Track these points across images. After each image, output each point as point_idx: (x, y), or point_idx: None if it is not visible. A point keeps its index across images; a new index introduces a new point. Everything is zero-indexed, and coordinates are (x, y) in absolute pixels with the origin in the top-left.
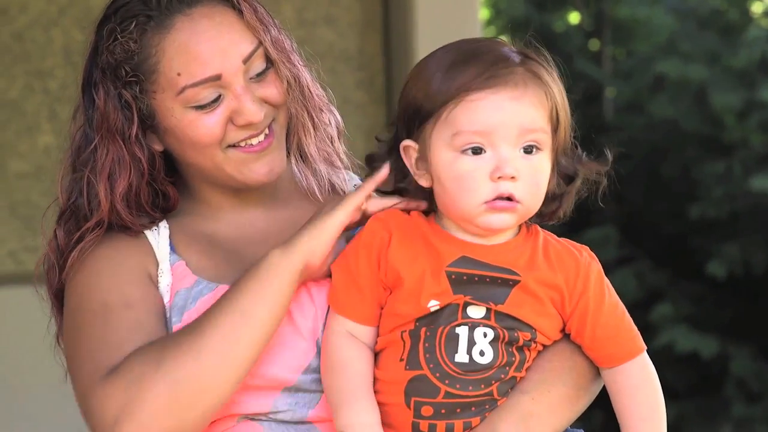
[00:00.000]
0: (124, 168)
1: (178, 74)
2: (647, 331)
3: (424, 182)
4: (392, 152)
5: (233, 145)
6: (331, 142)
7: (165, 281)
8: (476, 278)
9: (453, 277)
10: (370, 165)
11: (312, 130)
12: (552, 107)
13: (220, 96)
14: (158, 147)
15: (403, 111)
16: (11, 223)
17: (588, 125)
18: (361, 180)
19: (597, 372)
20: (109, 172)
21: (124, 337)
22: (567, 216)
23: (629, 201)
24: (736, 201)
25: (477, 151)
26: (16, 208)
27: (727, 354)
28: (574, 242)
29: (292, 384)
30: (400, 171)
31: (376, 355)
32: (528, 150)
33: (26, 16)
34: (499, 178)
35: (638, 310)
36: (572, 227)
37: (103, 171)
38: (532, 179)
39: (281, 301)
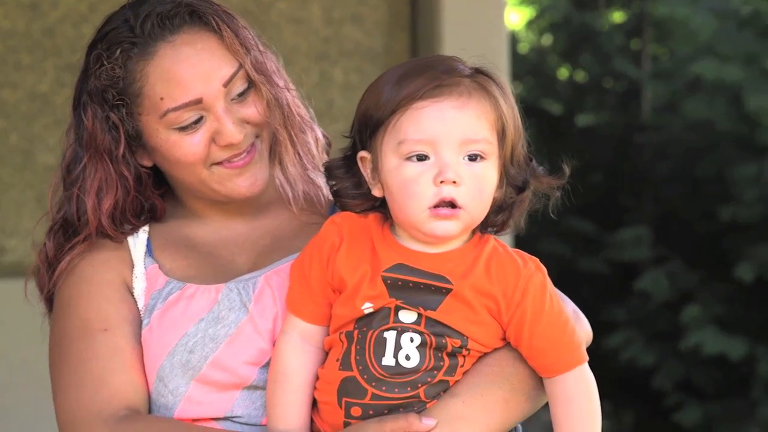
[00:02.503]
0: (111, 186)
1: (161, 98)
2: (677, 331)
3: (377, 192)
4: (350, 163)
5: (217, 163)
6: (312, 158)
7: (140, 286)
8: (410, 284)
9: (389, 282)
10: (328, 175)
11: (290, 148)
12: (497, 118)
13: (202, 118)
14: (147, 163)
15: (356, 122)
16: (40, 214)
17: (625, 125)
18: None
19: (542, 382)
20: (97, 190)
21: (104, 366)
22: (520, 227)
23: (664, 201)
24: None
25: (421, 157)
26: (44, 200)
27: (755, 356)
28: (525, 253)
29: (251, 382)
30: (357, 181)
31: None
32: (472, 158)
33: (57, 11)
34: (441, 182)
35: (669, 310)
36: (606, 227)
37: (92, 188)
38: (475, 186)
39: None
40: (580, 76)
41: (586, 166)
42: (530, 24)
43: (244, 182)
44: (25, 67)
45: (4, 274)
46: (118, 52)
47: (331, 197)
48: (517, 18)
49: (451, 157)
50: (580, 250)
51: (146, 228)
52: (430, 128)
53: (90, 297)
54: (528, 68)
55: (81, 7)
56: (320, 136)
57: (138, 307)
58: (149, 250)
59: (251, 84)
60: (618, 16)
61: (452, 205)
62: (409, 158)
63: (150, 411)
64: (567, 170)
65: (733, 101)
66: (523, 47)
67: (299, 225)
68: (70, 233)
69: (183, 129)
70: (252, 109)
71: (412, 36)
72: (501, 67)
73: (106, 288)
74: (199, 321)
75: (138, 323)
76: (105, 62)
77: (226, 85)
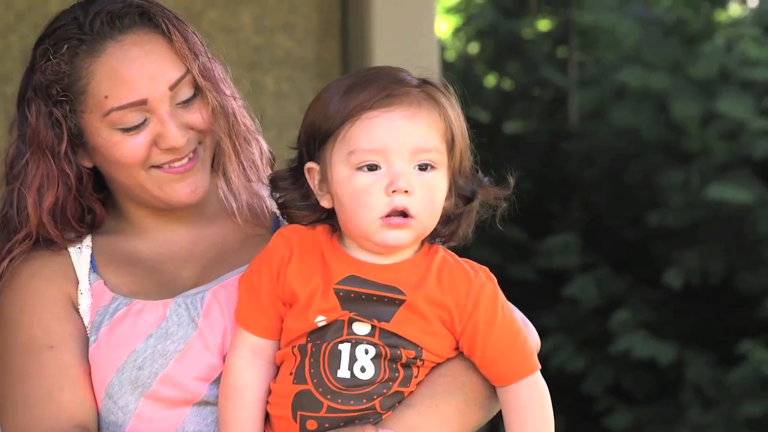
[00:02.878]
0: (52, 183)
1: (106, 97)
2: (605, 337)
3: (326, 203)
4: (296, 174)
5: (157, 166)
6: (256, 169)
7: (85, 302)
8: (363, 296)
9: (341, 294)
10: (274, 187)
11: (234, 156)
12: (446, 128)
13: (146, 120)
14: (87, 164)
15: (304, 133)
16: None
17: (553, 132)
18: None
19: (495, 391)
20: (38, 186)
21: (51, 384)
22: (468, 238)
23: (592, 208)
24: (695, 209)
25: (372, 167)
26: None
27: (684, 361)
28: (474, 263)
29: (201, 397)
30: (305, 192)
31: (279, 368)
32: (422, 167)
33: None
34: (393, 191)
35: (598, 316)
36: (534, 234)
37: (33, 184)
38: (427, 195)
39: None
40: (507, 83)
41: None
42: (457, 32)
43: (184, 188)
44: None
45: None
46: (65, 47)
47: (274, 209)
48: (444, 26)
49: (403, 167)
50: (510, 257)
51: (89, 243)
52: (381, 138)
53: (34, 313)
54: (455, 76)
55: (8, 16)
56: (265, 148)
57: (84, 324)
58: (93, 266)
59: (197, 90)
60: (544, 24)
61: (404, 214)
62: (359, 168)
63: (99, 429)
64: (512, 181)
65: (659, 108)
66: (450, 55)
67: (243, 237)
68: (10, 231)
69: (126, 130)
70: (197, 116)
71: (343, 45)
72: (432, 76)
73: (51, 304)
74: (148, 337)
75: (84, 340)
76: (51, 57)
77: (172, 88)
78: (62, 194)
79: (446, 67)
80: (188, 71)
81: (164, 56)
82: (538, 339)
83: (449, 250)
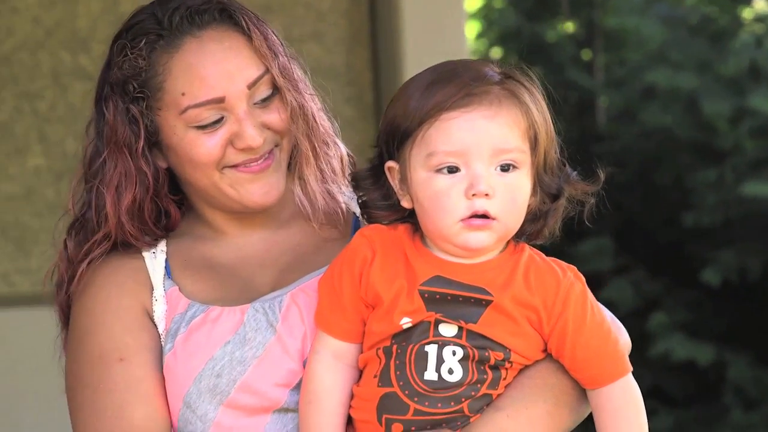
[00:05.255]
0: (131, 181)
1: (183, 94)
2: (644, 339)
3: (406, 203)
4: (377, 173)
5: (231, 166)
6: (333, 172)
7: (160, 309)
8: (449, 297)
9: (426, 295)
10: (355, 186)
11: (312, 159)
12: (529, 126)
13: (222, 118)
14: (162, 164)
15: (384, 131)
16: (2, 245)
17: (581, 134)
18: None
19: (585, 393)
20: (116, 185)
21: (121, 398)
22: (555, 235)
23: (624, 210)
24: (730, 208)
25: (452, 170)
26: (7, 230)
27: (723, 361)
28: (562, 262)
29: (281, 404)
30: (386, 192)
31: (361, 372)
32: (504, 168)
33: (13, 38)
34: (473, 195)
35: (634, 319)
36: (568, 238)
37: (111, 183)
38: (508, 196)
39: None
40: None
41: None
42: (479, 37)
43: (258, 189)
44: None
45: None
46: (143, 42)
47: (352, 211)
48: (469, 31)
49: (483, 169)
50: None
51: (164, 248)
52: (460, 140)
53: (106, 325)
54: None
55: (37, 33)
56: (344, 152)
57: (158, 332)
58: (168, 272)
59: (276, 90)
60: (568, 27)
61: (485, 216)
62: (439, 170)
63: None
64: (602, 175)
65: (688, 107)
66: None
67: (320, 241)
68: (89, 232)
69: (202, 128)
70: (275, 116)
71: (373, 52)
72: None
73: (124, 315)
74: (225, 344)
75: (159, 350)
76: (129, 53)
77: (250, 87)
78: (140, 193)
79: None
80: (267, 70)
81: (243, 54)
82: (629, 340)
83: (536, 249)
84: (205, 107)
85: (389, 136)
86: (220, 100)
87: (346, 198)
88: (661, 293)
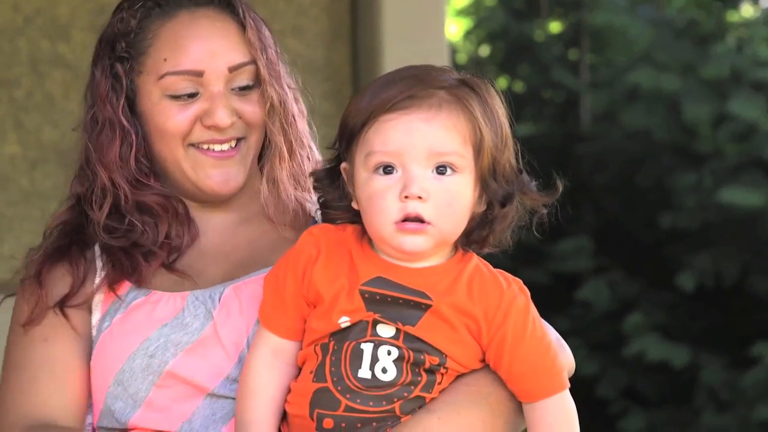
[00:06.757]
0: (114, 135)
1: (165, 59)
2: (619, 340)
3: (354, 204)
4: (334, 173)
5: (196, 146)
6: (303, 176)
7: (98, 296)
8: (389, 299)
9: (366, 296)
10: (314, 185)
11: (287, 157)
12: (473, 130)
13: (197, 93)
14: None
15: (339, 131)
16: None
17: (565, 134)
18: None
19: (521, 406)
20: (102, 137)
21: (33, 375)
22: (505, 244)
23: (605, 211)
24: (708, 212)
25: (388, 170)
26: None
27: (697, 363)
28: (509, 275)
29: (212, 390)
30: (341, 193)
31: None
32: (441, 171)
33: None
34: (406, 197)
35: (610, 319)
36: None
37: (98, 136)
38: (444, 200)
39: None
40: (519, 86)
41: None
42: (468, 34)
43: (217, 176)
44: None
45: None
46: (139, 5)
47: (314, 215)
48: (454, 28)
49: (418, 171)
50: (523, 261)
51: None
52: (395, 141)
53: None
54: None
55: (16, 20)
56: (317, 158)
57: (91, 319)
58: None
59: (258, 84)
60: (555, 27)
61: (420, 219)
62: (376, 171)
63: (105, 414)
64: (560, 186)
65: (671, 110)
66: (461, 58)
67: (278, 239)
68: (83, 181)
69: (176, 98)
70: (250, 107)
71: (353, 48)
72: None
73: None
74: (163, 326)
75: (87, 336)
76: (124, 13)
77: (231, 70)
78: (125, 151)
79: (457, 69)
80: (253, 61)
81: (232, 39)
82: (573, 360)
83: (484, 260)
84: (183, 77)
85: (342, 136)
86: (199, 74)
87: (313, 203)
88: (638, 294)
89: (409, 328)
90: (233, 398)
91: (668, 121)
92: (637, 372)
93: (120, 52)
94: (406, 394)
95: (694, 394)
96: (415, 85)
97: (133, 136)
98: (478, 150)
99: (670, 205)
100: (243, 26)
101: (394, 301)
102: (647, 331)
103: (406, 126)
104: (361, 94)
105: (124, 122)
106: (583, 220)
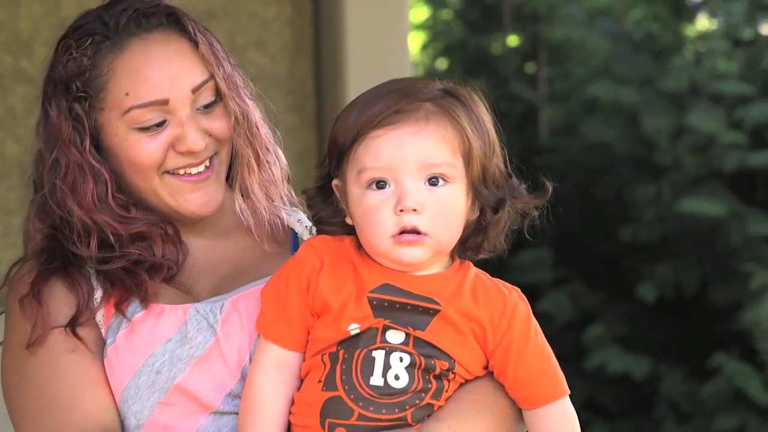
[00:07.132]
0: (86, 176)
1: (126, 94)
2: (580, 352)
3: (348, 220)
4: (326, 191)
5: (171, 173)
6: (274, 182)
7: (101, 311)
8: (397, 305)
9: (375, 302)
10: (307, 204)
11: (256, 167)
12: (461, 140)
13: (165, 121)
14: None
15: (328, 147)
16: None
17: (524, 147)
18: (305, 214)
19: (521, 414)
20: (73, 180)
21: (71, 388)
22: (499, 249)
23: (564, 223)
24: (667, 223)
25: (381, 185)
26: None
27: (658, 375)
28: (506, 283)
29: (216, 407)
30: (334, 209)
31: (302, 380)
32: (433, 182)
33: None
34: (401, 211)
35: (571, 331)
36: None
37: (68, 179)
38: (438, 211)
39: None
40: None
41: None
42: (425, 48)
43: (197, 199)
44: None
45: None
46: (89, 42)
47: (291, 225)
48: (412, 42)
49: (411, 184)
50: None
51: None
52: (386, 156)
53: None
54: None
55: None
56: (284, 162)
57: (100, 331)
58: None
59: (219, 98)
60: (513, 40)
61: (416, 231)
62: (368, 186)
63: None
64: (549, 188)
65: (629, 122)
66: (418, 71)
67: (260, 252)
68: (56, 225)
69: (144, 130)
70: (217, 123)
71: (316, 61)
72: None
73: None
74: (167, 341)
75: (101, 346)
76: (74, 52)
77: (194, 91)
78: (100, 190)
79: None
80: (212, 77)
81: (189, 59)
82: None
83: (480, 270)
84: (149, 108)
85: (331, 154)
86: (164, 102)
87: (286, 210)
88: (599, 306)
89: (419, 333)
90: (237, 413)
91: (627, 134)
92: (599, 384)
93: (77, 93)
94: (417, 402)
95: (654, 406)
96: (401, 99)
97: (106, 175)
98: (467, 159)
99: (630, 217)
100: (195, 43)
101: (402, 307)
102: (608, 342)
103: (395, 141)
104: (347, 110)
105: (93, 163)
106: (543, 232)
